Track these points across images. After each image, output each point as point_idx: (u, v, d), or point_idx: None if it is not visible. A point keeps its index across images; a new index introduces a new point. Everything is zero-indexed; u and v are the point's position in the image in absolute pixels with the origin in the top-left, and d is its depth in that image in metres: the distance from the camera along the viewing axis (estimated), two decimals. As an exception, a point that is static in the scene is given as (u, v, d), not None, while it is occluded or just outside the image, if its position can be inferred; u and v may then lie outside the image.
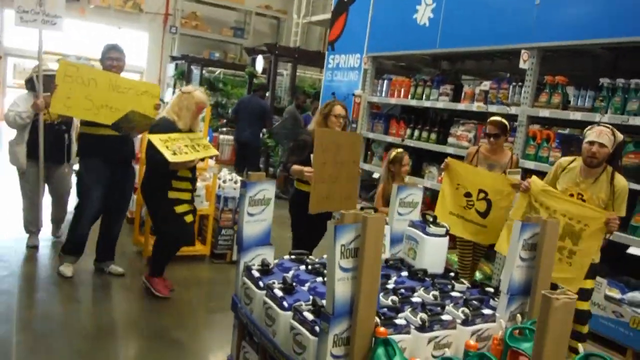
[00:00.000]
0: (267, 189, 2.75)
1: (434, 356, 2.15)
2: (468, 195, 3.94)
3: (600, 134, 3.25)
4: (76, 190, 4.24)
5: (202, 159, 4.26)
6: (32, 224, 4.77)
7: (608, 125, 3.34)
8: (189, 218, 3.93)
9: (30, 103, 4.34)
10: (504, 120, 4.05)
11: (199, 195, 4.92)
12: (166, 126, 3.79)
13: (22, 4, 4.41)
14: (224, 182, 5.11)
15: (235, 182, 5.09)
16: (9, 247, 4.65)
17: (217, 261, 4.97)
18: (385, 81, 6.42)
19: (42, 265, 4.45)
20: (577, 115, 4.18)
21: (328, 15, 10.05)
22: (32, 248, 4.71)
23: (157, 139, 3.62)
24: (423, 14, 5.79)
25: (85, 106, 3.90)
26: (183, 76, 14.18)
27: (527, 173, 4.44)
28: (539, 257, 2.35)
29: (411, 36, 5.93)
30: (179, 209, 3.85)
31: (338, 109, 3.86)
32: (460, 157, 5.37)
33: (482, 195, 3.89)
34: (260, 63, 10.72)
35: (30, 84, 4.49)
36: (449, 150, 5.26)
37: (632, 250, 3.75)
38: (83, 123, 4.13)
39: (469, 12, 5.22)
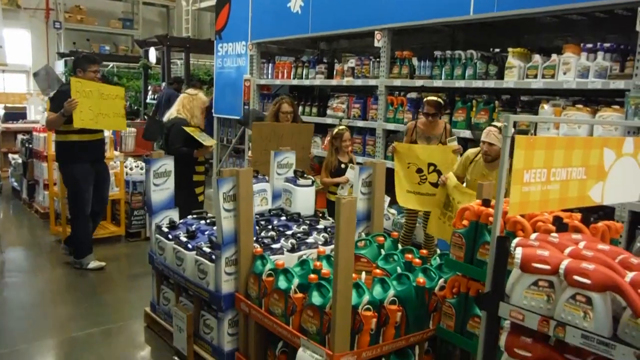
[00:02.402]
0: (167, 163, 3.44)
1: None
2: (420, 171, 4.41)
3: (487, 134, 3.67)
4: (70, 194, 4.52)
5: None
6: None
7: (496, 125, 3.71)
8: (200, 198, 4.59)
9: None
10: (439, 100, 4.39)
11: (108, 182, 5.44)
12: (185, 124, 4.37)
13: None
14: (131, 169, 5.65)
15: (141, 168, 5.64)
16: None
17: (133, 239, 5.54)
18: (270, 64, 7.16)
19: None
20: (419, 82, 5.19)
21: (215, 3, 10.51)
22: None
23: (194, 131, 4.29)
24: (295, 3, 6.57)
25: (90, 116, 4.26)
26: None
27: (390, 133, 5.42)
28: (373, 191, 3.25)
29: (287, 22, 6.69)
30: (198, 190, 4.53)
31: (285, 107, 4.85)
32: (334, 126, 6.27)
33: (431, 168, 4.30)
34: (153, 55, 11.01)
35: None
36: (328, 120, 6.14)
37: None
38: (64, 131, 4.36)
39: (333, 0, 6.06)
